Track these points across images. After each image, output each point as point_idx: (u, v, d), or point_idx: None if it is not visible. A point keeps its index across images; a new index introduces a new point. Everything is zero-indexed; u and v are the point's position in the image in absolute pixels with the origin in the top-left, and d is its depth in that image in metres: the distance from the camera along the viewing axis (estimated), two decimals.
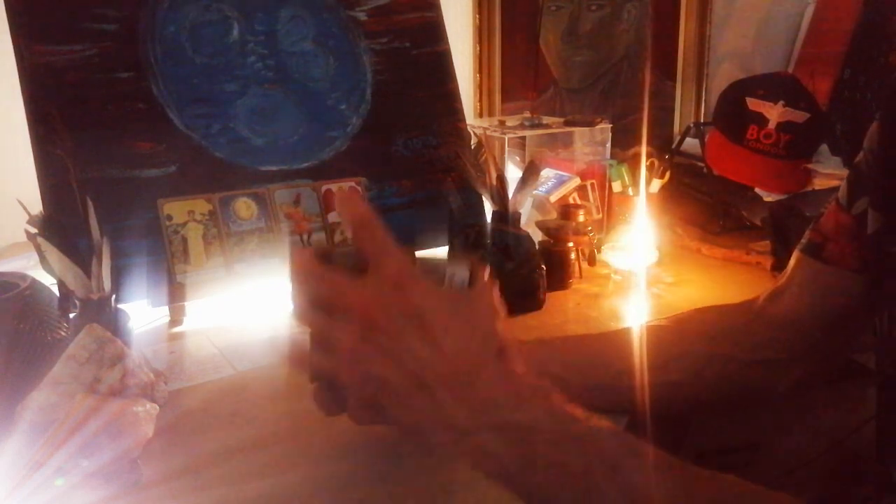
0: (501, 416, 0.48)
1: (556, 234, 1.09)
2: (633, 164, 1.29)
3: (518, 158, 1.26)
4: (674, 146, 1.41)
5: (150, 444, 0.64)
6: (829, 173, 1.31)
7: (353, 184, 1.07)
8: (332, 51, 1.11)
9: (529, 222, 1.15)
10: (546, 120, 1.32)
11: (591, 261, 1.15)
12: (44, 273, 0.80)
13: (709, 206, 1.33)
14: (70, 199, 0.86)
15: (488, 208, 1.07)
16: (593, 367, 0.71)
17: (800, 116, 1.31)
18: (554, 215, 1.19)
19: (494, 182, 1.02)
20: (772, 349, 0.71)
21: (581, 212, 1.14)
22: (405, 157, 1.13)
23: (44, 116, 0.91)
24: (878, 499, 0.65)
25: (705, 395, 0.72)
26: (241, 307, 0.98)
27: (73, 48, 0.95)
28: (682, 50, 1.55)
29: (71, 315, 0.80)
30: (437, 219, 1.11)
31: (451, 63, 1.20)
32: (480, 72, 1.73)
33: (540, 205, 1.24)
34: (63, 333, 0.78)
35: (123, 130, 0.96)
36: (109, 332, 0.71)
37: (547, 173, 1.25)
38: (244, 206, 1.00)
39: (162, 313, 0.96)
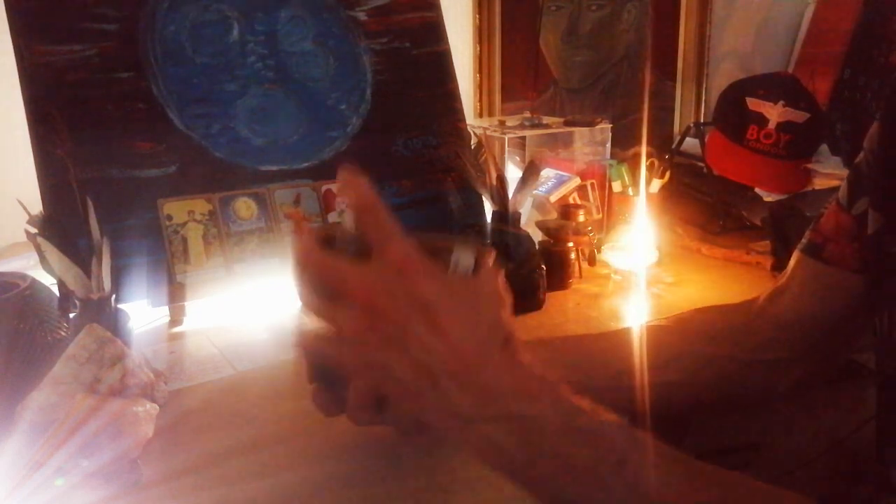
0: (507, 406, 0.47)
1: (556, 234, 1.09)
2: (633, 164, 1.28)
3: (518, 158, 1.26)
4: (674, 146, 1.42)
5: (150, 444, 0.64)
6: (829, 173, 1.31)
7: None
8: (332, 51, 1.11)
9: (529, 222, 1.15)
10: (546, 120, 1.32)
11: (591, 261, 1.15)
12: (44, 273, 0.80)
13: (709, 206, 1.33)
14: (70, 199, 0.86)
15: (488, 208, 1.07)
16: (593, 367, 0.71)
17: (800, 116, 1.31)
18: (554, 215, 1.19)
19: (494, 182, 1.02)
20: (772, 349, 0.71)
21: (581, 212, 1.14)
22: (405, 157, 1.13)
23: (44, 116, 0.91)
24: (878, 499, 0.65)
25: (705, 395, 0.72)
26: (241, 307, 0.98)
27: (73, 48, 0.95)
28: (682, 50, 1.55)
29: (71, 315, 0.80)
30: (437, 219, 1.11)
31: (451, 63, 1.20)
32: (480, 72, 1.73)
33: (540, 205, 1.24)
34: (63, 333, 0.78)
35: (123, 130, 0.96)
36: (109, 332, 0.71)
37: (547, 173, 1.26)
38: (244, 206, 1.00)
39: (162, 313, 0.96)
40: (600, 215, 1.27)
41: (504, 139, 1.22)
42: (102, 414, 0.60)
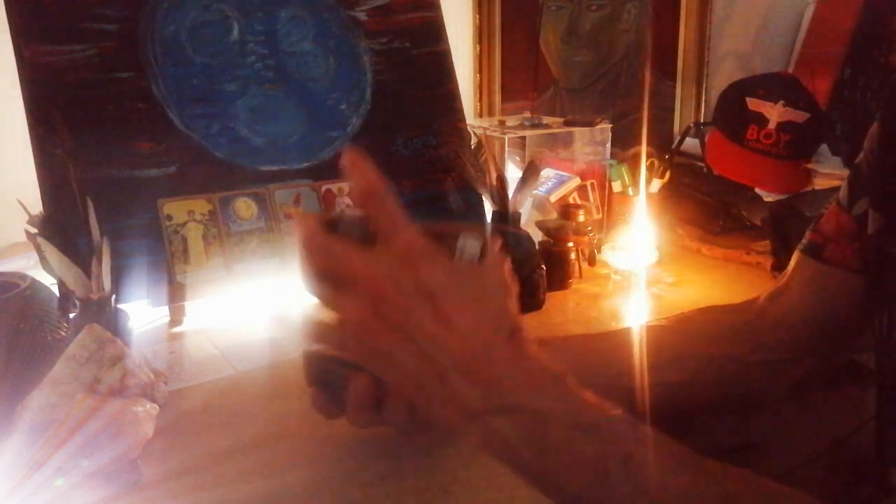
0: (514, 398, 0.47)
1: (556, 234, 1.09)
2: (633, 164, 1.28)
3: (518, 158, 1.26)
4: (674, 146, 1.41)
5: (150, 444, 0.64)
6: (829, 173, 1.31)
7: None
8: (332, 51, 1.11)
9: (529, 222, 1.15)
10: (546, 120, 1.32)
11: (591, 261, 1.15)
12: (44, 273, 0.80)
13: (709, 206, 1.33)
14: (70, 199, 0.86)
15: (488, 208, 1.07)
16: (593, 367, 0.71)
17: (800, 116, 1.31)
18: (554, 215, 1.19)
19: (494, 182, 1.02)
20: (772, 349, 0.71)
21: (581, 212, 1.14)
22: (405, 157, 1.13)
23: (44, 116, 0.91)
24: (878, 499, 0.66)
25: (705, 396, 0.72)
26: (241, 307, 0.98)
27: (73, 48, 0.95)
28: (682, 50, 1.55)
29: (71, 315, 0.80)
30: (437, 219, 1.10)
31: (451, 63, 1.20)
32: (480, 72, 1.73)
33: (540, 205, 1.24)
34: (63, 333, 0.78)
35: (123, 130, 0.96)
36: (109, 332, 0.71)
37: (547, 173, 1.26)
38: (244, 206, 1.00)
39: (162, 313, 0.96)
40: (600, 215, 1.27)
41: (504, 139, 1.22)
42: (102, 414, 0.60)
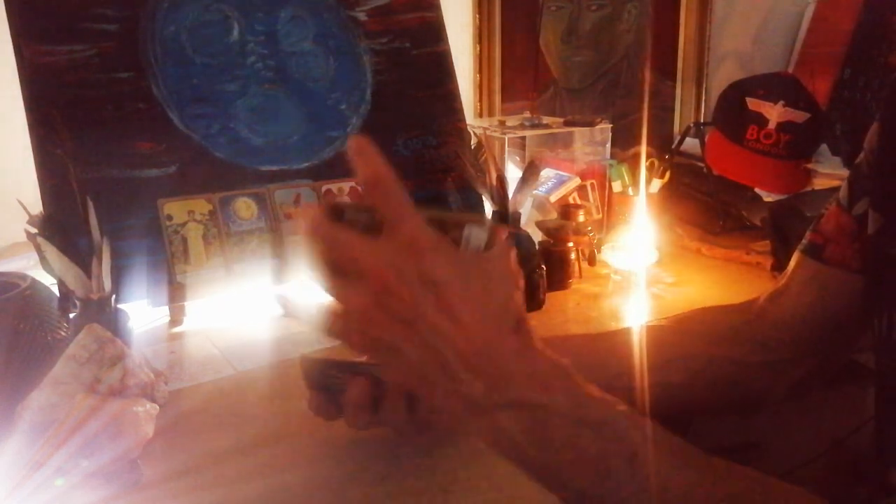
0: (519, 394, 0.46)
1: (556, 234, 1.09)
2: (633, 164, 1.29)
3: (518, 158, 1.26)
4: (674, 146, 1.41)
5: (150, 444, 0.64)
6: (829, 173, 1.31)
7: (353, 184, 1.07)
8: (332, 51, 1.11)
9: (529, 222, 1.15)
10: (546, 120, 1.32)
11: (591, 261, 1.15)
12: (44, 273, 0.80)
13: (709, 206, 1.33)
14: (70, 200, 0.86)
15: (488, 208, 1.07)
16: (592, 367, 0.70)
17: (800, 116, 1.31)
18: (554, 215, 1.19)
19: (494, 182, 1.02)
20: (772, 350, 0.71)
21: (581, 212, 1.14)
22: (405, 157, 1.13)
23: (44, 117, 0.91)
24: (878, 499, 0.65)
25: (705, 396, 0.72)
26: (241, 307, 0.98)
27: (73, 48, 0.95)
28: (682, 50, 1.55)
29: (71, 315, 0.80)
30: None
31: (451, 63, 1.20)
32: (480, 72, 1.73)
33: (540, 205, 1.24)
34: (63, 333, 0.78)
35: (123, 130, 0.96)
36: (109, 332, 0.71)
37: (547, 173, 1.26)
38: (244, 206, 1.00)
39: (162, 313, 0.96)
40: (600, 215, 1.27)
41: (504, 139, 1.22)
42: (102, 414, 0.60)
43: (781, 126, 1.30)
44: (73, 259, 0.78)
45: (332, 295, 0.48)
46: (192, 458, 0.66)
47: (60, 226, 0.82)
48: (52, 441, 0.58)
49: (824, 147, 1.40)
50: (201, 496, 0.61)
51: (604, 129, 1.28)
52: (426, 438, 0.65)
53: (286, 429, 0.71)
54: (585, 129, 1.28)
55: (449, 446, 0.66)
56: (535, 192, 1.19)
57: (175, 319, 0.96)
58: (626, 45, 1.61)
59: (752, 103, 1.33)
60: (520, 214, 1.04)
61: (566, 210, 1.15)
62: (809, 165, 1.34)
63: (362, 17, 1.14)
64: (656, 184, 1.29)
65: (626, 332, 0.74)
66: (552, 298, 1.03)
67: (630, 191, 1.27)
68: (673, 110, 1.58)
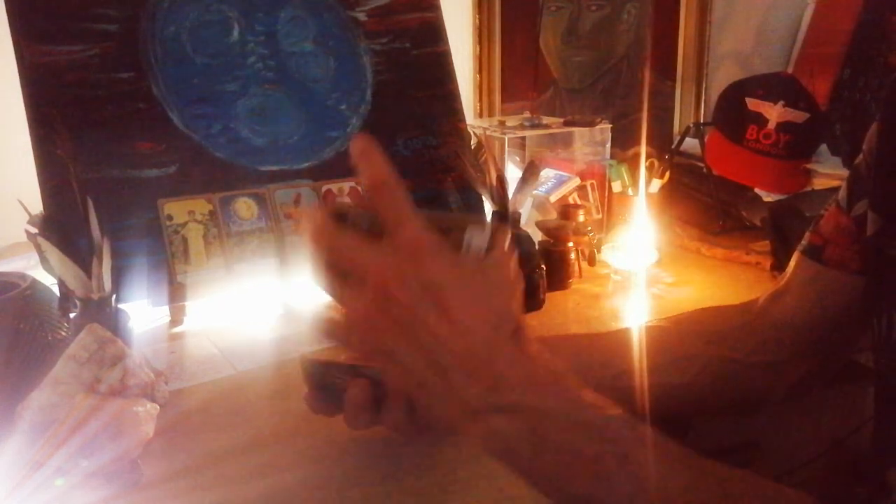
0: (514, 397, 0.47)
1: (556, 234, 1.09)
2: (633, 164, 1.29)
3: (518, 158, 1.26)
4: (674, 146, 1.42)
5: (150, 444, 0.64)
6: (828, 173, 1.31)
7: (353, 184, 1.07)
8: (332, 51, 1.11)
9: (529, 222, 1.15)
10: (546, 120, 1.32)
11: (591, 261, 1.15)
12: (44, 273, 0.80)
13: (709, 206, 1.33)
14: (70, 200, 0.86)
15: (488, 208, 1.07)
16: (592, 367, 0.71)
17: (799, 116, 1.31)
18: (554, 215, 1.19)
19: (494, 182, 1.02)
20: (772, 350, 0.71)
21: (581, 212, 1.14)
22: (405, 157, 1.13)
23: (44, 117, 0.91)
24: (878, 499, 0.66)
25: (705, 396, 0.72)
26: (241, 307, 0.98)
27: (73, 48, 0.95)
28: (681, 50, 1.55)
29: (71, 315, 0.80)
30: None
31: (451, 63, 1.20)
32: (480, 72, 1.73)
33: (540, 205, 1.24)
34: (63, 333, 0.78)
35: (124, 130, 0.96)
36: (110, 332, 0.71)
37: (547, 173, 1.26)
38: (244, 207, 1.00)
39: (162, 313, 0.96)
40: (600, 215, 1.27)
41: (504, 139, 1.22)
42: (103, 414, 0.61)
43: (781, 126, 1.30)
44: (74, 259, 0.78)
45: (333, 298, 0.49)
46: (192, 458, 0.66)
47: (60, 226, 0.82)
48: (52, 441, 0.58)
49: (824, 147, 1.40)
50: (201, 496, 0.61)
51: (604, 129, 1.28)
52: (426, 438, 0.65)
53: (286, 429, 0.71)
54: (585, 129, 1.28)
55: (449, 446, 0.66)
56: (535, 192, 1.19)
57: (175, 319, 0.96)
58: (626, 45, 1.61)
59: (752, 103, 1.33)
60: (520, 214, 1.04)
61: (566, 210, 1.15)
62: (809, 165, 1.34)
63: (362, 17, 1.14)
64: (656, 184, 1.29)
65: (626, 332, 0.74)
66: (552, 298, 1.03)
67: (630, 191, 1.27)
68: (673, 110, 1.58)
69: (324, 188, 1.06)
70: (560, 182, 1.25)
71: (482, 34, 1.71)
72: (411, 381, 0.48)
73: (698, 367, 0.71)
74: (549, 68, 1.70)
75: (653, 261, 1.13)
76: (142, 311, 0.93)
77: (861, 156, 0.67)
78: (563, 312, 1.01)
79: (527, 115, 1.30)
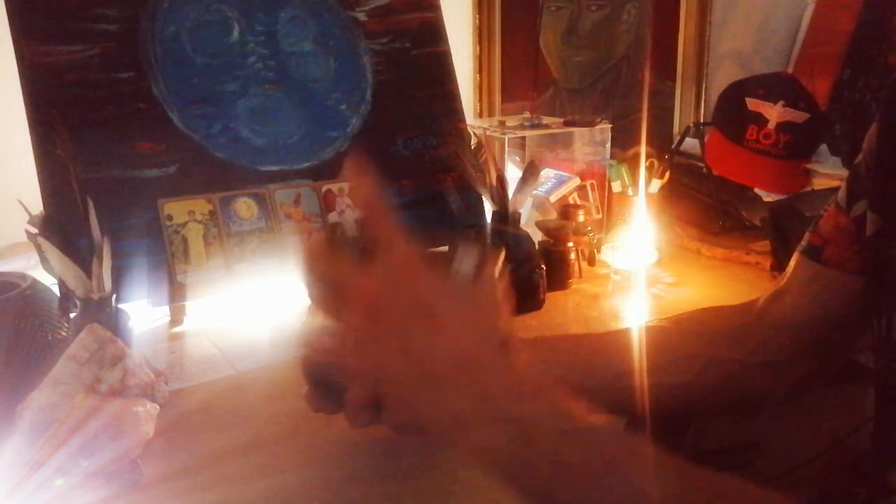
0: (502, 408, 0.48)
1: (556, 234, 1.09)
2: (633, 164, 1.29)
3: (518, 158, 1.26)
4: (673, 146, 1.41)
5: (150, 444, 0.64)
6: (828, 173, 1.31)
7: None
8: (332, 51, 1.11)
9: (529, 222, 1.15)
10: (546, 120, 1.32)
11: (591, 261, 1.15)
12: (44, 273, 0.80)
13: (709, 206, 1.33)
14: (70, 199, 0.86)
15: (488, 208, 1.07)
16: (592, 367, 0.71)
17: (799, 116, 1.31)
18: (554, 215, 1.19)
19: (494, 182, 1.02)
20: (772, 351, 0.71)
21: (581, 212, 1.14)
22: (405, 157, 1.13)
23: (44, 117, 0.91)
24: (877, 499, 0.66)
25: (705, 397, 0.72)
26: (241, 307, 0.98)
27: (73, 48, 0.95)
28: (681, 50, 1.55)
29: (71, 315, 0.80)
30: (437, 219, 1.11)
31: (451, 63, 1.20)
32: (480, 72, 1.73)
33: (540, 205, 1.24)
34: (64, 333, 0.78)
35: (124, 130, 0.96)
36: (110, 332, 0.71)
37: (547, 173, 1.26)
38: (244, 206, 1.00)
39: (162, 313, 0.96)
40: (600, 215, 1.27)
41: (504, 139, 1.22)
42: (103, 414, 0.61)
43: (781, 126, 1.30)
44: (74, 259, 0.78)
45: (329, 319, 0.52)
46: (192, 458, 0.66)
47: (60, 226, 0.82)
48: (52, 441, 0.58)
49: (824, 147, 1.40)
50: (201, 496, 0.61)
51: (604, 129, 1.28)
52: (426, 438, 0.65)
53: (286, 429, 0.71)
54: (585, 129, 1.28)
55: (449, 446, 0.66)
56: (535, 192, 1.19)
57: (175, 319, 0.96)
58: (626, 45, 1.61)
59: (752, 103, 1.33)
60: (520, 214, 1.04)
61: (566, 210, 1.15)
62: (809, 166, 1.34)
63: (362, 17, 1.14)
64: (656, 184, 1.29)
65: (626, 333, 0.74)
66: (552, 298, 1.03)
67: (630, 191, 1.27)
68: (673, 110, 1.58)
69: (324, 188, 1.06)
70: (560, 182, 1.25)
71: (482, 34, 1.71)
72: (404, 394, 0.50)
73: (698, 367, 0.71)
74: (549, 68, 1.70)
75: (653, 261, 1.13)
76: (142, 311, 0.93)
77: (861, 156, 0.67)
78: (563, 312, 1.01)
79: (527, 115, 1.30)
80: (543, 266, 1.02)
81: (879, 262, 0.62)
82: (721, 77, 1.54)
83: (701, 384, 0.71)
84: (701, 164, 1.37)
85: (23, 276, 0.81)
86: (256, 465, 0.65)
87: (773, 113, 1.31)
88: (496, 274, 0.53)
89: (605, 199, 1.28)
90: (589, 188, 1.26)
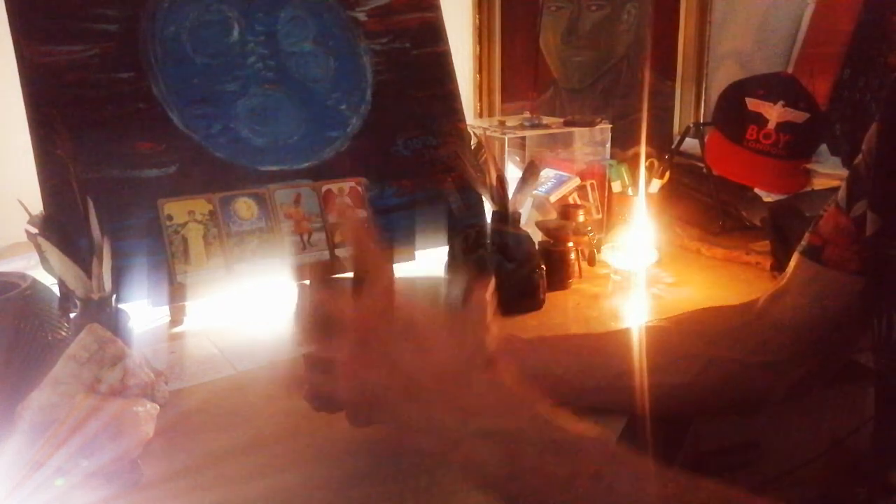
0: (487, 424, 0.50)
1: (556, 234, 1.09)
2: (633, 164, 1.29)
3: (518, 158, 1.26)
4: (673, 146, 1.41)
5: (150, 444, 0.64)
6: (828, 173, 1.31)
7: (353, 184, 1.07)
8: (332, 51, 1.11)
9: (529, 222, 1.15)
10: (546, 120, 1.32)
11: (591, 261, 1.15)
12: (44, 273, 0.80)
13: (709, 206, 1.33)
14: (70, 200, 0.86)
15: (488, 208, 1.07)
16: (593, 367, 0.71)
17: (799, 116, 1.31)
18: (554, 215, 1.19)
19: (494, 182, 1.02)
20: (772, 351, 0.71)
21: (581, 212, 1.14)
22: (405, 157, 1.13)
23: (44, 117, 0.91)
24: (877, 499, 0.66)
25: (705, 397, 0.72)
26: (241, 307, 0.98)
27: (73, 48, 0.95)
28: (681, 50, 1.55)
29: (71, 315, 0.80)
30: (437, 219, 1.11)
31: (451, 63, 1.20)
32: (480, 72, 1.73)
33: (540, 205, 1.24)
34: (64, 333, 0.78)
35: (124, 130, 0.96)
36: (110, 332, 0.71)
37: (547, 173, 1.26)
38: (244, 206, 1.00)
39: (162, 313, 0.96)
40: (600, 215, 1.27)
41: (504, 139, 1.22)
42: (103, 414, 0.60)
43: (781, 126, 1.30)
44: (74, 259, 0.78)
45: (321, 350, 0.56)
46: (192, 458, 0.66)
47: (60, 226, 0.82)
48: (52, 441, 0.58)
49: (824, 147, 1.40)
50: (201, 496, 0.61)
51: (604, 129, 1.28)
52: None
53: (286, 429, 0.71)
54: (585, 129, 1.28)
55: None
56: (535, 192, 1.19)
57: (175, 319, 0.96)
58: (626, 45, 1.61)
59: (752, 103, 1.33)
60: (520, 214, 1.04)
61: (566, 210, 1.15)
62: (809, 166, 1.34)
63: (362, 17, 1.14)
64: (656, 184, 1.29)
65: (626, 333, 0.74)
66: (552, 298, 1.03)
67: (630, 191, 1.27)
68: (673, 110, 1.58)
69: (324, 188, 1.06)
70: (560, 182, 1.25)
71: (482, 34, 1.71)
72: (395, 416, 0.52)
73: (698, 367, 0.71)
74: (549, 68, 1.70)
75: (653, 261, 1.13)
76: (142, 311, 0.93)
77: (860, 156, 0.67)
78: (563, 312, 1.01)
79: (527, 115, 1.30)
80: (543, 266, 1.02)
81: (879, 262, 0.62)
82: (721, 77, 1.54)
83: (701, 384, 0.71)
84: (701, 164, 1.37)
85: (23, 276, 0.81)
86: (256, 465, 0.65)
87: (773, 113, 1.31)
88: (485, 300, 0.55)
89: (605, 199, 1.28)
90: (589, 188, 1.26)
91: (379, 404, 0.52)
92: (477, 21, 1.71)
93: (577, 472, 0.48)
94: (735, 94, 1.36)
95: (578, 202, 1.23)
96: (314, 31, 1.10)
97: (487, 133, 1.22)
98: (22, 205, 0.82)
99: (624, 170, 1.28)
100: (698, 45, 1.53)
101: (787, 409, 0.77)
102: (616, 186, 1.28)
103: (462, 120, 1.20)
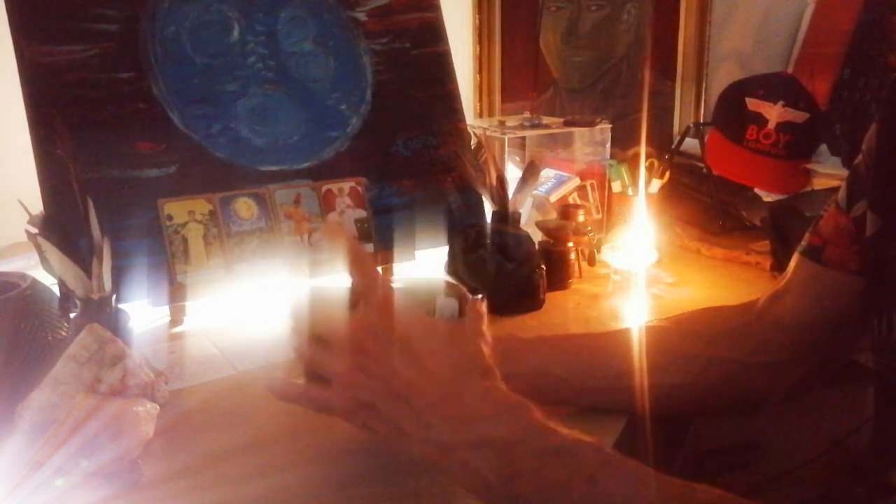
0: (482, 431, 0.50)
1: (556, 234, 1.09)
2: (633, 164, 1.29)
3: (518, 158, 1.26)
4: (673, 146, 1.41)
5: (150, 444, 0.64)
6: (828, 173, 1.31)
7: (353, 184, 1.07)
8: (332, 51, 1.11)
9: (529, 222, 1.15)
10: (546, 120, 1.32)
11: (591, 261, 1.15)
12: (44, 273, 0.80)
13: (709, 206, 1.33)
14: (70, 199, 0.86)
15: (488, 208, 1.07)
16: (593, 368, 0.71)
17: (799, 116, 1.31)
18: (554, 215, 1.19)
19: (494, 182, 1.02)
20: (772, 351, 0.71)
21: (581, 212, 1.14)
22: (405, 157, 1.13)
23: (44, 117, 0.91)
24: (877, 499, 0.66)
25: (705, 397, 0.72)
26: (241, 307, 0.98)
27: (73, 48, 0.95)
28: (681, 50, 1.55)
29: (71, 315, 0.80)
30: (437, 219, 1.11)
31: (451, 63, 1.20)
32: (480, 72, 1.73)
33: (540, 205, 1.24)
34: (64, 333, 0.78)
35: (124, 130, 0.96)
36: (110, 332, 0.71)
37: (547, 173, 1.26)
38: (244, 207, 1.00)
39: (162, 313, 0.96)
40: (600, 215, 1.27)
41: (504, 139, 1.22)
42: (103, 414, 0.61)
43: (781, 126, 1.30)
44: (74, 259, 0.78)
45: (317, 365, 0.57)
46: (192, 458, 0.66)
47: (60, 226, 0.82)
48: (52, 441, 0.58)
49: (824, 147, 1.40)
50: (201, 496, 0.61)
51: (603, 129, 1.28)
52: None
53: (286, 429, 0.71)
54: (585, 129, 1.28)
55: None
56: (535, 192, 1.19)
57: (175, 319, 0.96)
58: (626, 45, 1.61)
59: (752, 103, 1.33)
60: (520, 214, 1.04)
61: (566, 210, 1.15)
62: (809, 166, 1.34)
63: (362, 17, 1.14)
64: (656, 184, 1.29)
65: (626, 333, 0.74)
66: (552, 298, 1.03)
67: (630, 191, 1.27)
68: (673, 110, 1.58)
69: (324, 188, 1.06)
70: (560, 182, 1.25)
71: (482, 34, 1.71)
72: (391, 429, 0.53)
73: (698, 367, 0.71)
74: (549, 68, 1.70)
75: (653, 261, 1.13)
76: (142, 311, 0.93)
77: (860, 156, 0.67)
78: (563, 312, 1.01)
79: (527, 115, 1.30)
80: (543, 266, 1.02)
81: (879, 262, 0.62)
82: (721, 77, 1.54)
83: (701, 384, 0.71)
84: (701, 164, 1.37)
85: (23, 276, 0.81)
86: (256, 465, 0.65)
87: (773, 113, 1.31)
88: (480, 311, 0.57)
89: (605, 199, 1.28)
90: (589, 188, 1.26)
91: (375, 414, 0.53)
92: (477, 21, 1.71)
93: (571, 477, 0.48)
94: (735, 94, 1.36)
95: (578, 202, 1.23)
96: (314, 31, 1.10)
97: (487, 133, 1.22)
98: (22, 205, 0.82)
99: (624, 170, 1.28)
100: (698, 45, 1.53)
101: (787, 409, 0.77)
102: (616, 186, 1.28)
103: (462, 120, 1.20)
